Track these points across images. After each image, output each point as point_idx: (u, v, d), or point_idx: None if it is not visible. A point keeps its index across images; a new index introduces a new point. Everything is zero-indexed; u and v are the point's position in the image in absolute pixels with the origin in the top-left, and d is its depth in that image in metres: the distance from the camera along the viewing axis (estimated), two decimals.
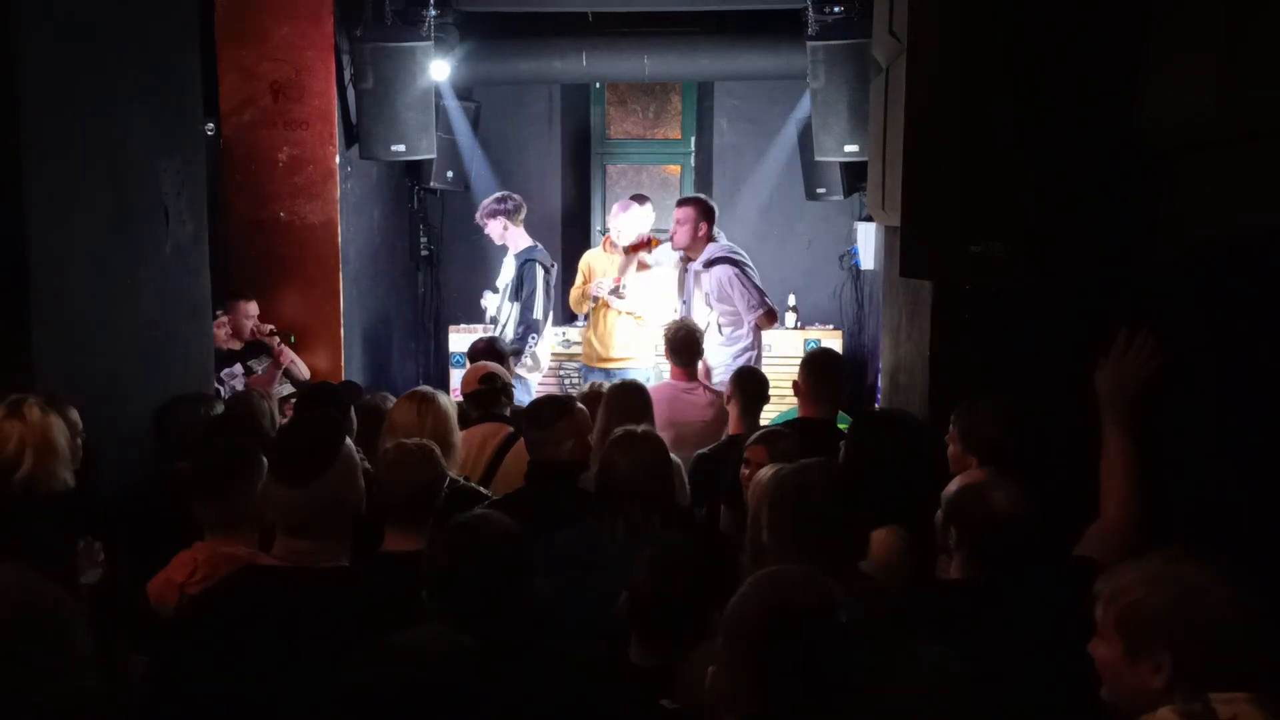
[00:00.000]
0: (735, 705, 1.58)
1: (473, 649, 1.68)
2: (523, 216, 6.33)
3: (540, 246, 6.40)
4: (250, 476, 2.65)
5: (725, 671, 1.60)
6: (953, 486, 2.42)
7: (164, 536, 2.74)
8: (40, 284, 3.25)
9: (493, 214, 6.27)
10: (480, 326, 7.00)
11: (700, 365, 5.09)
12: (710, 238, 5.81)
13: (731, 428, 4.23)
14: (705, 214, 5.81)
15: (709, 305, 5.79)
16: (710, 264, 5.71)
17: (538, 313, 6.19)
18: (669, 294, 6.44)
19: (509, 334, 6.17)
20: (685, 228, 5.76)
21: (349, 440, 2.19)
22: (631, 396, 3.86)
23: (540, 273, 6.20)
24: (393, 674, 1.61)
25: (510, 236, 6.32)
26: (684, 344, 4.82)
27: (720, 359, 5.74)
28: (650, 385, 4.88)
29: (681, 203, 5.90)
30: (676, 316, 6.32)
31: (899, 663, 1.83)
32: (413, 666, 1.62)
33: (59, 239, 3.35)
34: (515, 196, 6.38)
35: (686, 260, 5.97)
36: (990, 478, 2.35)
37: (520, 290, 6.18)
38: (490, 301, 6.51)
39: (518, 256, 6.30)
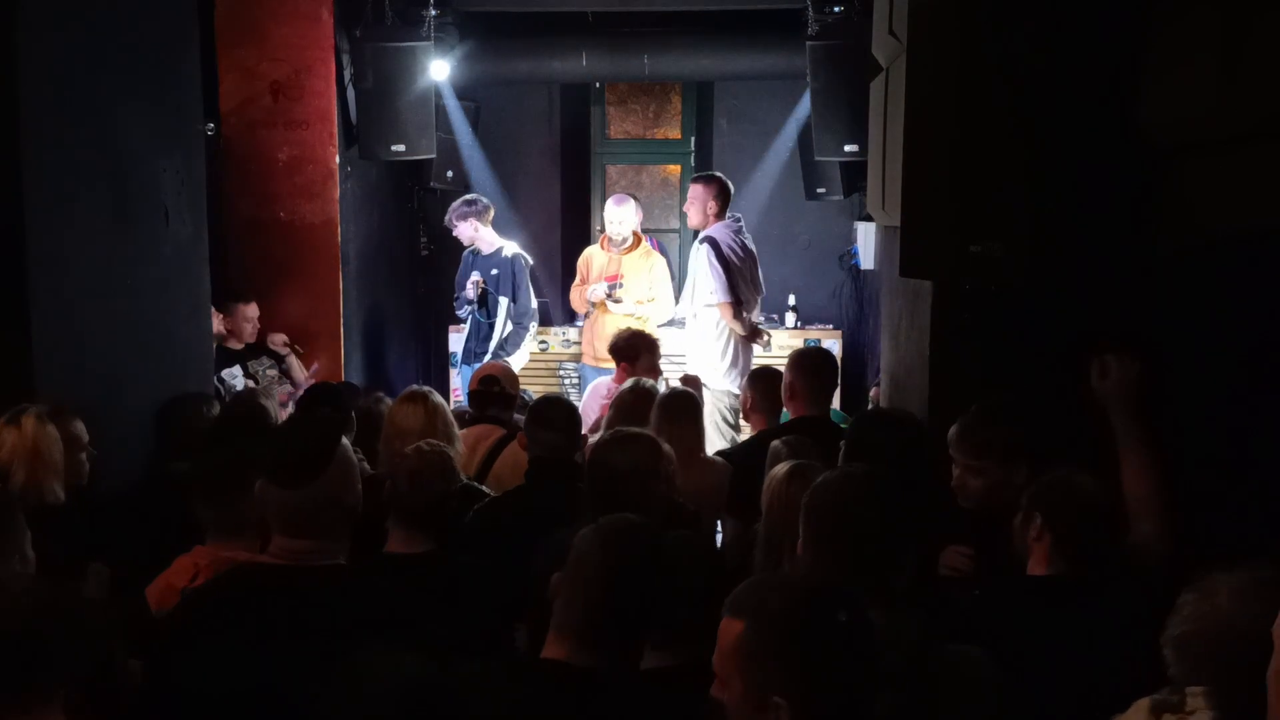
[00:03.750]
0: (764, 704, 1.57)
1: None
2: (491, 217, 6.55)
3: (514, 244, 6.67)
4: (254, 481, 2.65)
5: (751, 668, 1.58)
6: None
7: (164, 538, 2.73)
8: (40, 284, 3.25)
9: (463, 216, 6.48)
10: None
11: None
12: (719, 217, 5.86)
13: (752, 427, 4.22)
14: (715, 193, 5.84)
15: (693, 284, 5.87)
16: (702, 241, 5.82)
17: (534, 304, 6.57)
18: (668, 294, 6.48)
19: (501, 328, 6.39)
20: (695, 205, 5.87)
21: (346, 441, 2.18)
22: (682, 401, 3.85)
23: (526, 266, 6.52)
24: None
25: (481, 237, 6.51)
26: (624, 351, 4.90)
27: (701, 346, 5.85)
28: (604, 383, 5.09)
29: (695, 180, 5.99)
30: (679, 316, 6.39)
31: (929, 667, 1.83)
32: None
33: (59, 239, 3.35)
34: (483, 198, 6.62)
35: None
36: (1071, 468, 2.28)
37: (513, 284, 6.42)
38: (472, 283, 6.51)
39: (500, 253, 6.49)
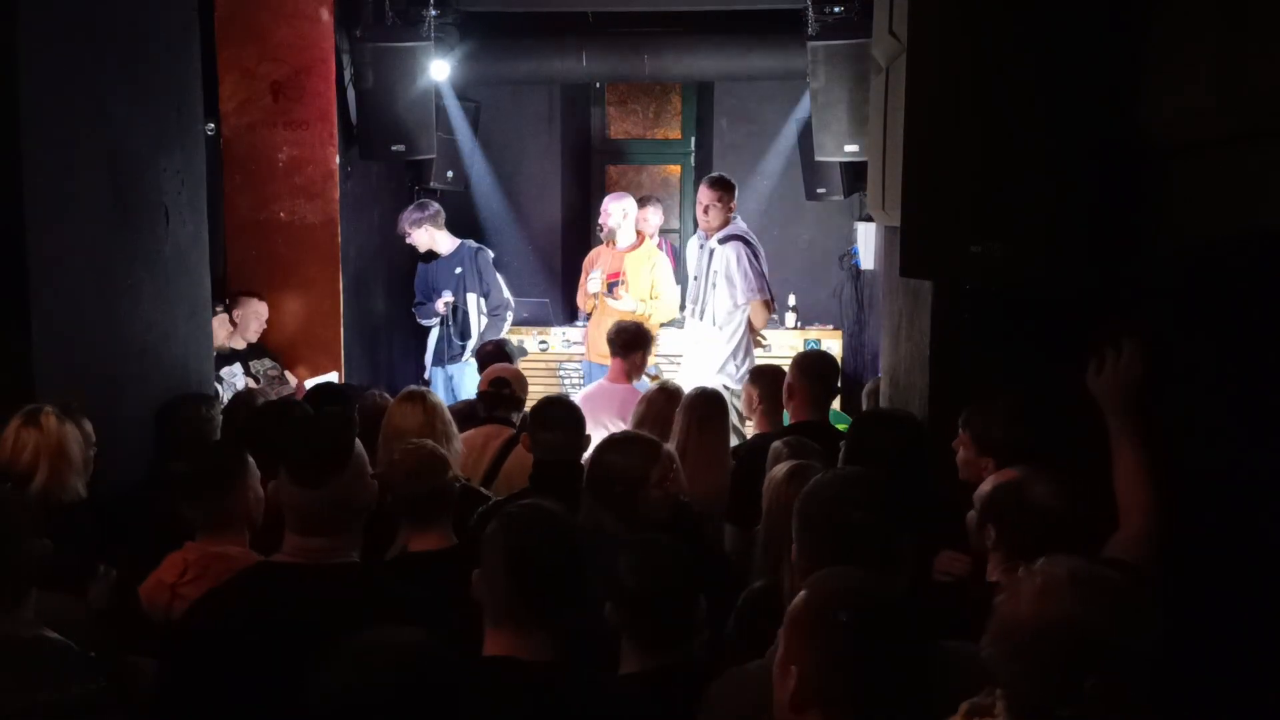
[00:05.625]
0: (819, 702, 1.58)
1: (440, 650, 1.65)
2: (443, 220, 6.58)
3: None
4: (241, 477, 2.66)
5: (807, 670, 1.59)
6: (986, 486, 2.37)
7: (163, 537, 2.73)
8: (40, 284, 3.25)
9: (417, 223, 6.52)
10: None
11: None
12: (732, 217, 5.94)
13: (756, 427, 4.21)
14: (734, 194, 5.89)
15: (714, 285, 5.84)
16: (725, 240, 5.78)
17: (506, 293, 6.63)
18: (671, 293, 6.47)
19: (476, 324, 6.46)
20: (717, 208, 5.79)
21: (359, 441, 2.20)
22: (710, 404, 3.82)
23: (490, 258, 6.59)
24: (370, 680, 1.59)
25: (438, 240, 6.56)
26: (625, 340, 4.94)
27: (715, 349, 5.82)
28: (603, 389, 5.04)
29: (713, 185, 5.88)
30: (683, 316, 6.39)
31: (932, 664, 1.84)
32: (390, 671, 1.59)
33: (59, 239, 3.35)
34: (434, 203, 6.64)
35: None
36: (1027, 474, 2.28)
37: (480, 279, 6.48)
38: (444, 304, 6.56)
39: (460, 251, 6.54)
